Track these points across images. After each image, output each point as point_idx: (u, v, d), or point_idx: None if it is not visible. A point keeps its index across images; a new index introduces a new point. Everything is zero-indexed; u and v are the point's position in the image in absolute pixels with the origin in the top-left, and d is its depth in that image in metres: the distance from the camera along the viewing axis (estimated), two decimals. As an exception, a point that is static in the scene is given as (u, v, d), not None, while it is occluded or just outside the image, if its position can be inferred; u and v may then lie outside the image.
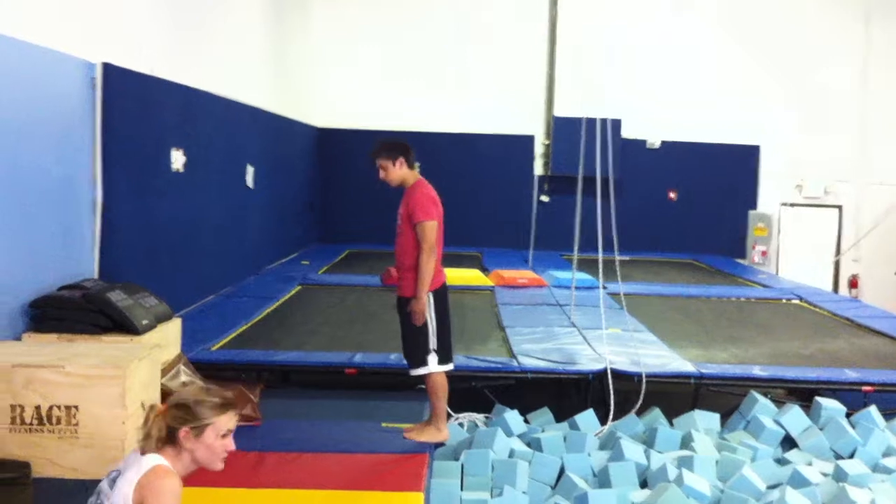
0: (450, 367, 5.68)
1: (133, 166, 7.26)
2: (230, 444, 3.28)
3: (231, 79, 10.31)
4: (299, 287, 10.54)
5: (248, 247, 11.02)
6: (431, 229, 5.44)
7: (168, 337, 6.09)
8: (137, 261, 7.29)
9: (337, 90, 15.38)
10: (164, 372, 5.63)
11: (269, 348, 7.26)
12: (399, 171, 5.61)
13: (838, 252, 15.75)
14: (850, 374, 7.11)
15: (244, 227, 10.81)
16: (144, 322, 5.82)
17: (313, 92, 15.16)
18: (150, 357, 5.18)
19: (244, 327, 8.08)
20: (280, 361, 6.95)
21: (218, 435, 3.22)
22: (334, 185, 15.43)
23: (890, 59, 15.43)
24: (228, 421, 3.26)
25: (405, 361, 5.80)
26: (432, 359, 5.55)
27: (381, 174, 5.64)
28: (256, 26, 11.77)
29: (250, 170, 10.85)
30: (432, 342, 5.54)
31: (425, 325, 5.52)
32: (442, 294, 5.65)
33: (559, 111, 15.28)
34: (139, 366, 4.93)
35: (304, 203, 14.28)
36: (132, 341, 5.61)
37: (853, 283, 15.65)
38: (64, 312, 5.71)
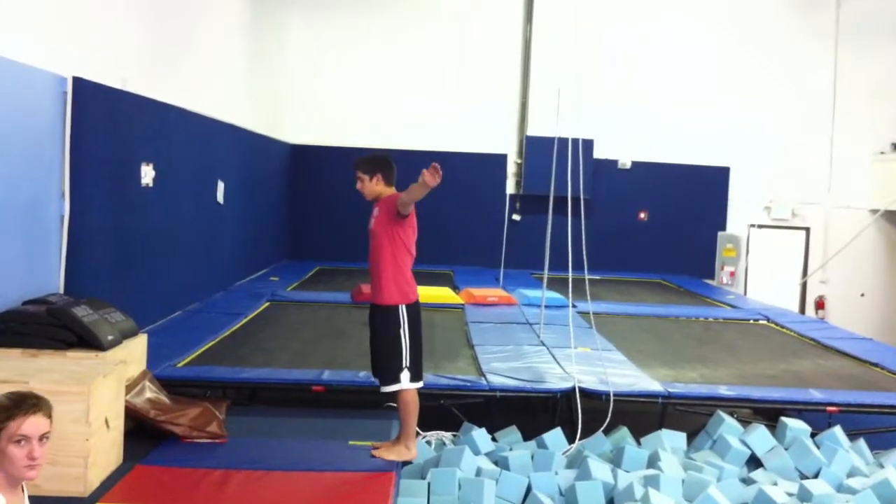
0: (420, 384, 5.68)
1: (101, 181, 7.21)
2: (32, 450, 3.04)
3: (205, 95, 10.28)
4: (268, 303, 10.49)
5: (218, 263, 10.95)
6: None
7: (133, 353, 6.03)
8: (104, 276, 7.23)
9: (311, 107, 15.37)
10: (129, 388, 5.58)
11: (235, 365, 7.21)
12: (374, 187, 5.68)
13: (805, 273, 15.92)
14: (816, 395, 7.17)
15: (213, 243, 10.75)
16: (110, 338, 5.76)
17: (287, 109, 15.16)
18: (115, 373, 5.13)
19: (211, 344, 8.01)
20: (247, 379, 6.90)
21: (10, 440, 3.00)
22: (305, 202, 15.40)
23: (858, 85, 15.66)
24: (20, 425, 3.02)
25: (374, 378, 5.79)
26: (405, 375, 5.54)
27: (358, 184, 5.70)
28: (231, 43, 11.76)
29: (221, 186, 10.80)
30: (405, 359, 5.54)
31: (399, 340, 5.52)
32: (415, 310, 5.66)
33: (532, 130, 15.36)
34: (104, 382, 4.88)
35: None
36: (97, 357, 5.54)
37: (819, 305, 15.82)
38: (28, 327, 5.63)
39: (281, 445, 5.67)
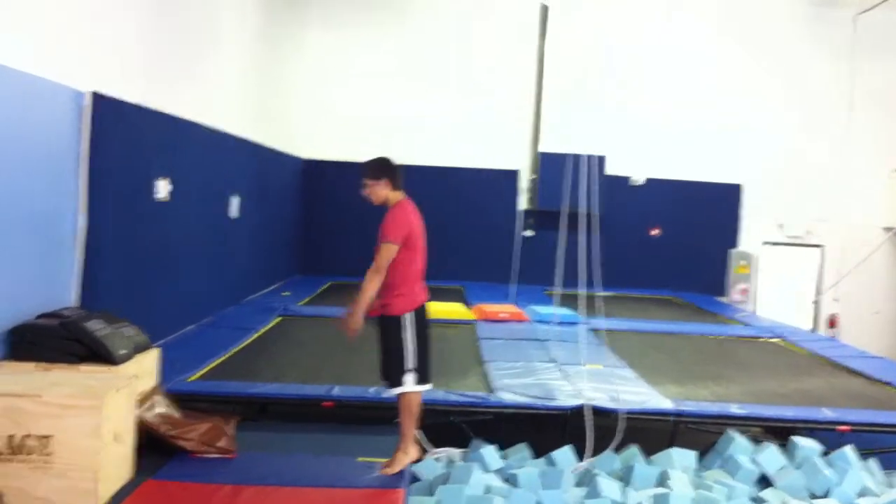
0: (428, 386, 5.71)
1: (117, 195, 7.27)
2: None
3: (219, 109, 10.36)
4: (279, 318, 10.52)
5: (230, 277, 11.01)
6: (388, 251, 5.50)
7: (145, 367, 6.07)
8: (118, 289, 7.28)
9: (323, 122, 15.45)
10: (141, 403, 5.61)
11: (246, 380, 7.24)
12: (382, 191, 5.70)
13: (818, 291, 15.85)
14: (827, 414, 7.14)
15: (226, 258, 10.81)
16: (122, 352, 5.80)
17: (300, 123, 15.23)
18: (128, 388, 5.17)
19: (222, 358, 8.05)
20: (257, 393, 6.92)
21: None
22: (317, 217, 15.47)
23: (873, 101, 15.58)
24: None
25: (382, 381, 5.79)
26: (409, 378, 5.58)
27: (365, 190, 5.73)
28: (246, 57, 11.84)
29: (234, 200, 10.86)
30: (410, 361, 5.57)
31: (403, 344, 5.56)
32: (421, 314, 5.69)
33: (545, 147, 15.39)
34: (116, 396, 4.91)
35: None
36: (109, 371, 5.59)
37: (832, 323, 15.74)
38: (41, 340, 5.68)
39: (290, 461, 5.69)
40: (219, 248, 10.44)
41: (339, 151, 15.29)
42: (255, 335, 9.34)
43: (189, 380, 7.07)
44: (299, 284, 13.90)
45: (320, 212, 15.45)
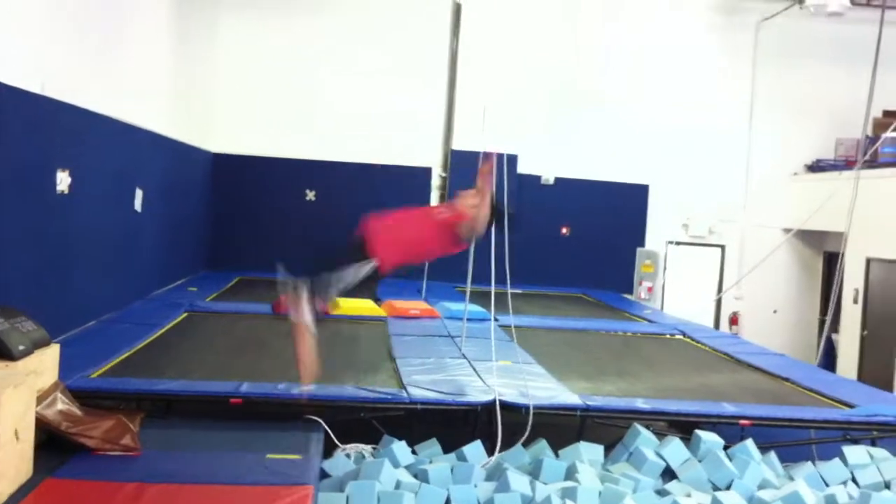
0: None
1: (15, 187, 7.02)
2: None
3: (127, 101, 10.09)
4: (186, 314, 10.31)
5: (134, 272, 10.74)
6: None
7: (45, 363, 5.87)
8: (16, 283, 7.03)
9: (234, 115, 15.21)
10: (40, 399, 5.43)
11: (151, 376, 7.06)
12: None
13: (720, 290, 16.28)
14: (729, 409, 7.32)
15: (130, 252, 10.54)
16: (21, 347, 5.60)
17: (210, 117, 14.96)
18: (26, 384, 4.99)
19: (126, 354, 7.84)
20: (162, 390, 6.75)
21: None
22: (226, 211, 15.22)
23: (773, 106, 16.11)
24: None
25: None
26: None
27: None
28: (157, 49, 11.59)
29: (139, 193, 10.61)
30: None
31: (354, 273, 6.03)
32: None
33: (457, 144, 15.44)
34: (14, 393, 4.74)
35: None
36: (7, 367, 5.38)
37: (733, 321, 16.20)
38: (-66, 336, 5.45)
39: (197, 458, 5.57)
40: (122, 242, 10.17)
41: (249, 146, 15.09)
42: (161, 331, 9.13)
43: (91, 376, 6.87)
44: (207, 279, 13.65)
45: (229, 206, 15.20)
